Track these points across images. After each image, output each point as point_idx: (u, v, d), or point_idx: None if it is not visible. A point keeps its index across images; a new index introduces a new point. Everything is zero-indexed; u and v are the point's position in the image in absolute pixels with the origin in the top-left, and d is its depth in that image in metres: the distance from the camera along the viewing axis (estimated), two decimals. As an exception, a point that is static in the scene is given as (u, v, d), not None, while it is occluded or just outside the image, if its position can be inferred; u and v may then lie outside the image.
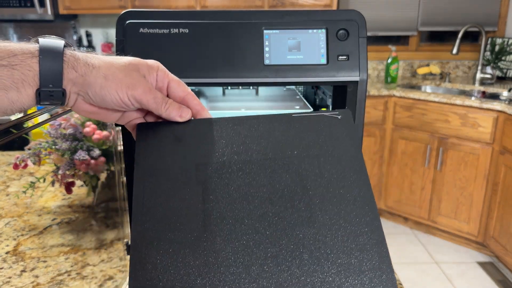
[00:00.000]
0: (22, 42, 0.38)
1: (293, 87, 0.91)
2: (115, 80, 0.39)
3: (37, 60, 0.37)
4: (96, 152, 0.89)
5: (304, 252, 0.36)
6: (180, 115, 0.43)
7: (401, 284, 0.74)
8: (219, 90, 0.87)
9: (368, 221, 0.38)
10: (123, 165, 0.59)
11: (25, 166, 0.91)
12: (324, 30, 0.58)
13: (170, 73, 0.43)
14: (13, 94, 0.36)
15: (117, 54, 0.46)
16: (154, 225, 0.37)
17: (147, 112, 0.45)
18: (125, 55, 0.44)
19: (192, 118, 0.44)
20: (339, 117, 0.44)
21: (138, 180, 0.40)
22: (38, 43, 0.38)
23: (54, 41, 0.39)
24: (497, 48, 2.92)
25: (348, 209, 0.39)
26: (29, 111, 0.58)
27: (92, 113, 0.42)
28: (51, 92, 0.38)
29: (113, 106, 0.41)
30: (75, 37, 3.24)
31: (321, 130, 0.43)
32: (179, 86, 0.43)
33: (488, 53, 2.96)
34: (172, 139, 0.42)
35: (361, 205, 0.39)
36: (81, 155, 0.87)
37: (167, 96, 0.43)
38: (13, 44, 0.37)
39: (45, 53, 0.37)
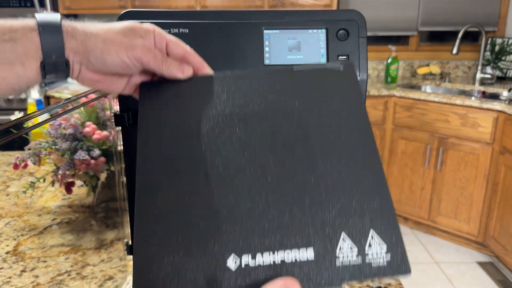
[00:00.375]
0: (19, 18, 0.39)
1: (293, 87, 0.91)
2: (114, 43, 0.40)
3: (37, 33, 0.38)
4: (96, 152, 0.89)
5: (305, 196, 0.37)
6: (181, 72, 0.43)
7: (401, 284, 0.74)
8: (219, 90, 0.87)
9: (370, 166, 0.39)
10: (123, 165, 0.59)
11: (25, 166, 0.92)
12: (324, 30, 0.58)
13: (167, 34, 0.44)
14: (19, 68, 0.37)
15: None
16: (157, 175, 0.38)
17: (152, 77, 0.46)
18: None
19: (194, 76, 0.45)
20: (341, 69, 0.45)
21: (141, 134, 0.41)
22: (35, 18, 0.39)
23: (50, 15, 0.39)
24: (497, 48, 2.92)
25: (349, 156, 0.39)
26: (29, 111, 0.59)
27: (97, 81, 0.43)
28: (55, 63, 0.38)
29: (115, 69, 0.41)
30: (75, 37, 3.24)
31: (323, 83, 0.44)
32: (178, 45, 0.44)
33: (488, 53, 2.96)
34: (174, 95, 0.43)
35: (362, 151, 0.39)
36: (81, 155, 0.87)
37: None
38: (11, 20, 0.38)
39: (44, 25, 0.38)
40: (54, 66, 0.39)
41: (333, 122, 0.41)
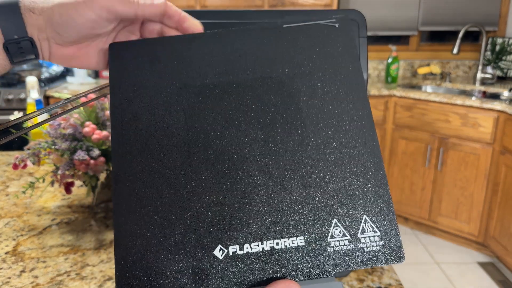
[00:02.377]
0: None
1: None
2: (72, 1, 0.36)
3: None
4: (96, 152, 0.89)
5: (295, 179, 0.35)
6: (151, 2, 0.39)
7: (401, 284, 0.74)
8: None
9: (365, 142, 0.36)
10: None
11: (25, 166, 0.91)
12: (324, 30, 0.57)
13: None
14: None
15: None
16: (136, 156, 0.35)
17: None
18: None
19: (168, 37, 0.41)
20: (337, 25, 0.41)
21: (115, 108, 0.37)
22: None
23: None
24: (497, 48, 2.91)
25: (343, 131, 0.36)
26: (28, 111, 0.58)
27: (72, 57, 0.40)
28: (18, 43, 0.36)
29: (85, 30, 0.37)
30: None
31: (315, 43, 0.40)
32: None
33: (488, 53, 2.96)
34: (149, 60, 0.39)
35: (357, 126, 0.37)
36: (81, 155, 0.87)
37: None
38: None
39: (0, 5, 0.35)
40: (19, 47, 0.36)
41: (326, 92, 0.38)
